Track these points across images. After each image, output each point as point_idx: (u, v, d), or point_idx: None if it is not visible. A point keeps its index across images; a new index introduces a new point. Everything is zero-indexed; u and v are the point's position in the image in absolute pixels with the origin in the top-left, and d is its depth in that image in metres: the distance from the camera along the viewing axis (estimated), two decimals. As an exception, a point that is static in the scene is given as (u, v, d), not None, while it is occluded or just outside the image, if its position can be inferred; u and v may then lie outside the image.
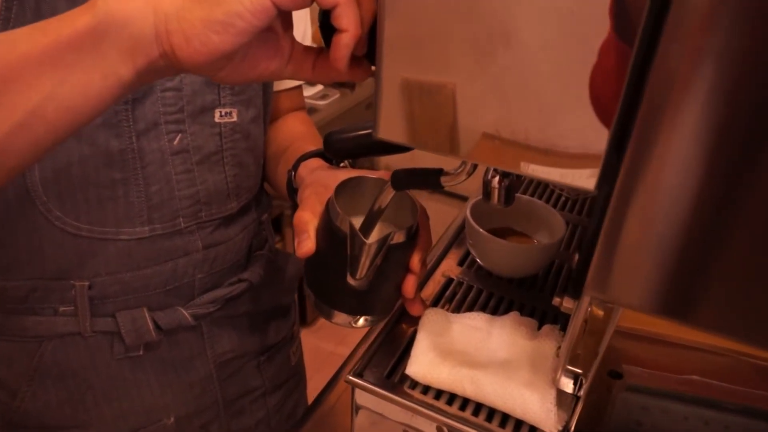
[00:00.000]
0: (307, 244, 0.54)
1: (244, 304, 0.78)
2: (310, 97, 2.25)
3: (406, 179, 0.48)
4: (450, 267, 0.74)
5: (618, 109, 0.31)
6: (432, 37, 0.34)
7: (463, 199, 1.65)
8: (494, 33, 0.32)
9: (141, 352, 0.69)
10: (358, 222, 0.55)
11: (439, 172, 0.46)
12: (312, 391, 0.78)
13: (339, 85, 2.37)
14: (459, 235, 0.81)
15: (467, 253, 0.76)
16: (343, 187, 0.55)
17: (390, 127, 0.39)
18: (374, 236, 0.55)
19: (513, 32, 0.32)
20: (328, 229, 0.53)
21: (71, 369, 0.68)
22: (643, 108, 0.29)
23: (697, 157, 0.29)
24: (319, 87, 2.34)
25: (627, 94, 0.30)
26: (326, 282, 0.55)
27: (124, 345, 0.67)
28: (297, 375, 0.95)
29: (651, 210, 0.31)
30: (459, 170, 0.45)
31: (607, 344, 0.41)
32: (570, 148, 0.32)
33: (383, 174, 0.60)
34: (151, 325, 0.67)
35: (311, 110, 2.18)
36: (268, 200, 0.86)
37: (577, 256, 0.36)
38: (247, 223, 0.78)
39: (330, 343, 2.15)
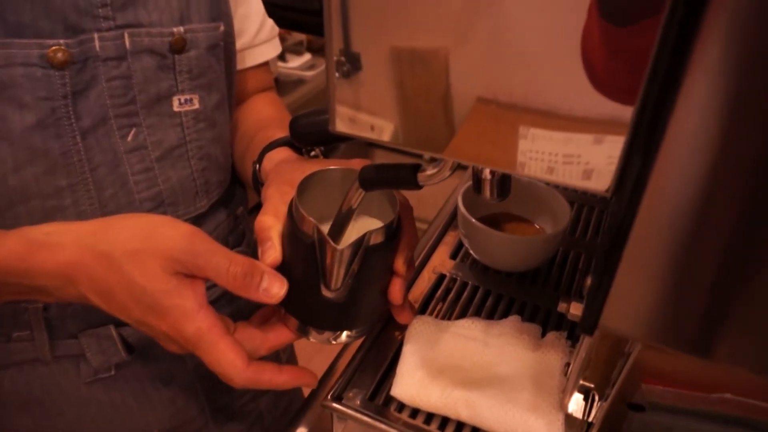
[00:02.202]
0: (271, 254, 0.46)
1: (224, 306, 0.71)
2: (297, 68, 2.14)
3: (375, 178, 0.40)
4: (441, 261, 0.66)
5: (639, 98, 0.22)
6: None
7: (461, 168, 1.53)
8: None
9: (113, 372, 0.62)
10: (328, 224, 0.47)
11: (416, 168, 0.38)
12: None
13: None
14: (452, 223, 0.73)
15: (460, 244, 0.68)
16: (306, 184, 0.46)
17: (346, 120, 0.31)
18: (348, 240, 0.47)
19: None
20: (293, 236, 0.45)
21: (35, 397, 0.61)
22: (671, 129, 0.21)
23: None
24: (307, 56, 2.22)
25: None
26: (298, 296, 0.47)
27: (92, 367, 0.61)
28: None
29: (679, 240, 0.23)
30: (440, 165, 0.37)
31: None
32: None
33: (355, 163, 0.51)
34: (119, 344, 0.60)
35: (298, 82, 2.07)
36: (243, 192, 0.78)
37: (589, 281, 0.28)
38: (220, 221, 0.70)
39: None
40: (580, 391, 0.48)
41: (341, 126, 0.33)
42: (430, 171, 0.37)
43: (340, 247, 0.43)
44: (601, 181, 0.26)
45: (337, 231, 0.46)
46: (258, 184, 0.60)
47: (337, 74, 0.30)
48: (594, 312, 0.27)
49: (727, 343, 0.27)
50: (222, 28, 0.61)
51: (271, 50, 0.74)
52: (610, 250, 0.26)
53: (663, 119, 0.22)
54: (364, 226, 0.50)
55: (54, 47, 0.48)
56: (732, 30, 0.19)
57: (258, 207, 0.53)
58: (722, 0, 0.19)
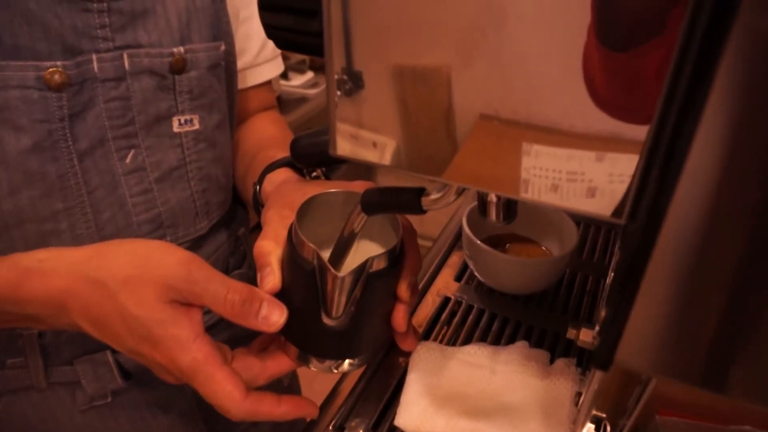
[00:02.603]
0: (270, 281, 0.45)
1: (222, 331, 0.70)
2: (300, 86, 2.15)
3: (378, 202, 0.39)
4: (446, 283, 0.64)
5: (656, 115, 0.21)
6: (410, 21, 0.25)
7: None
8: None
9: (109, 399, 0.61)
10: (329, 249, 0.46)
11: (420, 192, 0.37)
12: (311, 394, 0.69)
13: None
14: (456, 243, 0.72)
15: (465, 266, 0.66)
16: (307, 208, 0.45)
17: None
18: (349, 265, 0.46)
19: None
20: (292, 261, 0.43)
21: (30, 425, 0.60)
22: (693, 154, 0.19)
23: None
24: (309, 74, 2.23)
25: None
26: (298, 324, 0.45)
27: (88, 394, 0.59)
28: (290, 392, 0.88)
29: (698, 273, 0.22)
30: (445, 189, 0.36)
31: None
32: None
33: (358, 185, 0.50)
34: (116, 371, 0.59)
35: (301, 100, 2.07)
36: (244, 212, 0.77)
37: (603, 312, 0.27)
38: (220, 242, 0.69)
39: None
40: (591, 421, 0.46)
41: (342, 149, 0.31)
42: (434, 195, 0.36)
43: (341, 274, 0.41)
44: (604, 201, 0.25)
45: (339, 256, 0.45)
46: (258, 205, 0.59)
47: (339, 92, 0.29)
48: (609, 346, 0.26)
49: (743, 379, 0.25)
50: (223, 47, 0.60)
51: (273, 69, 0.73)
52: (624, 281, 0.24)
53: (682, 144, 0.21)
54: (365, 250, 0.49)
55: (51, 69, 0.47)
56: (759, 50, 0.18)
57: (260, 227, 0.51)
58: (746, 20, 0.18)
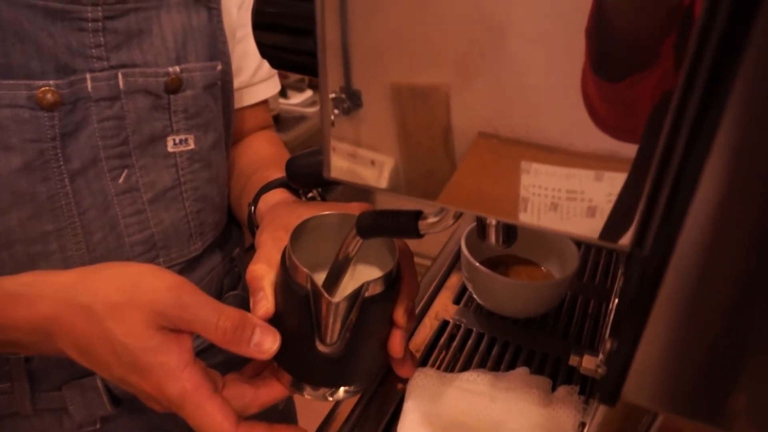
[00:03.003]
0: (262, 306, 0.43)
1: (216, 355, 0.68)
2: (298, 104, 2.15)
3: (374, 226, 0.38)
4: (444, 306, 0.63)
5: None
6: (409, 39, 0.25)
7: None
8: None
9: (98, 426, 0.59)
10: (324, 273, 0.45)
11: (417, 215, 0.36)
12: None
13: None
14: (455, 265, 0.70)
15: (464, 288, 0.65)
16: (301, 231, 0.44)
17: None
18: (344, 290, 0.45)
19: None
20: (286, 286, 0.42)
21: None
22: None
23: None
24: (308, 92, 2.23)
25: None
26: (291, 350, 0.44)
27: (76, 421, 0.57)
28: (287, 419, 0.85)
29: (711, 306, 0.21)
30: (442, 213, 0.35)
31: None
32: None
33: (354, 207, 0.49)
34: (105, 397, 0.57)
35: (300, 118, 2.07)
36: (239, 232, 0.76)
37: (609, 345, 0.25)
38: (215, 263, 0.68)
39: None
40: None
41: (336, 172, 0.30)
42: (432, 219, 0.35)
43: (335, 299, 0.40)
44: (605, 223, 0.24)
45: (333, 281, 0.44)
46: (253, 226, 0.58)
47: (336, 111, 0.28)
48: (615, 381, 0.24)
49: (756, 417, 0.24)
50: (219, 67, 0.59)
51: (270, 88, 0.73)
52: (632, 313, 0.23)
53: (690, 172, 0.20)
54: (361, 274, 0.47)
55: (44, 88, 0.47)
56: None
57: (255, 247, 0.50)
58: (760, 41, 0.17)
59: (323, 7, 0.24)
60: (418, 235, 0.36)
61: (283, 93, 2.11)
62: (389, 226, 0.37)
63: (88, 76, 0.50)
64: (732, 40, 0.18)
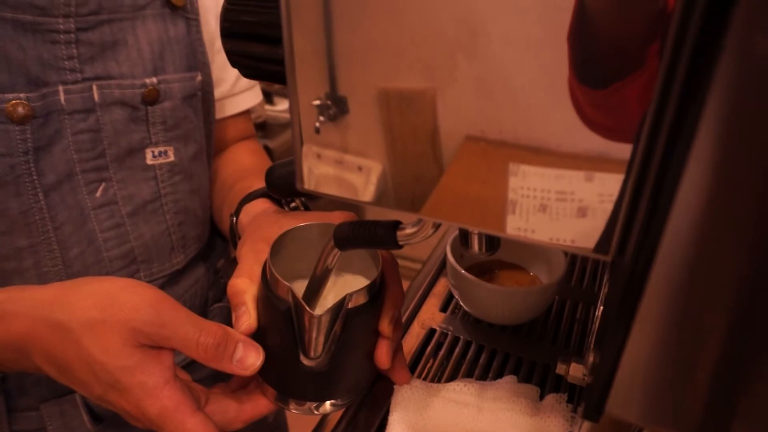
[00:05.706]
0: (245, 321, 0.42)
1: (204, 367, 0.67)
2: (285, 111, 2.14)
3: (351, 237, 0.37)
4: (431, 314, 0.62)
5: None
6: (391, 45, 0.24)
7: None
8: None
9: None
10: (303, 286, 0.44)
11: (395, 225, 0.35)
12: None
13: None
14: (441, 271, 0.70)
15: (451, 296, 0.64)
16: (281, 243, 0.43)
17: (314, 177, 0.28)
18: (328, 302, 0.44)
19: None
20: (267, 300, 0.41)
21: None
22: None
23: None
24: (295, 99, 2.22)
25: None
26: (275, 365, 0.43)
27: None
28: (277, 430, 0.84)
29: (696, 317, 0.20)
30: (421, 223, 0.34)
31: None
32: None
33: (336, 216, 0.48)
34: (85, 415, 0.55)
35: (286, 125, 2.06)
36: (224, 243, 0.75)
37: (592, 357, 0.25)
38: (199, 276, 0.67)
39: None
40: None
41: (309, 184, 0.30)
42: (410, 230, 0.34)
43: (317, 312, 0.39)
44: (596, 223, 0.24)
45: (314, 293, 0.43)
46: (236, 237, 0.57)
47: (321, 117, 0.27)
48: (599, 395, 0.24)
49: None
50: (199, 77, 0.59)
51: (251, 98, 0.72)
52: (615, 325, 0.22)
53: (671, 173, 0.19)
54: (344, 284, 0.47)
55: (14, 101, 0.46)
56: (751, 70, 0.17)
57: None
58: (737, 39, 0.16)
59: (288, 14, 0.23)
60: (396, 246, 0.35)
61: (269, 99, 2.10)
62: (367, 237, 0.36)
63: (60, 88, 0.49)
64: (706, 49, 0.17)
